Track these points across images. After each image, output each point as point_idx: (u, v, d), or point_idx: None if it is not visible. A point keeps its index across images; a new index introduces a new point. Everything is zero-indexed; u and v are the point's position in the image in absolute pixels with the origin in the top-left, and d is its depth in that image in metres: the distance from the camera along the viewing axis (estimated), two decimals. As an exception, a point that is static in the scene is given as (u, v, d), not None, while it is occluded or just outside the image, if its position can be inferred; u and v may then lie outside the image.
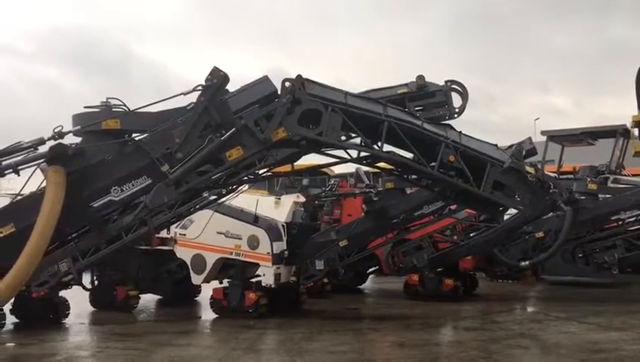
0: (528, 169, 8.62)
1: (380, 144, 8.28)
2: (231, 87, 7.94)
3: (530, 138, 9.77)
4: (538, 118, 28.30)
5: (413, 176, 9.68)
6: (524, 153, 8.82)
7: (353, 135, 8.30)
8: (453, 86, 9.13)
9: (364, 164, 9.21)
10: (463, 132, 8.65)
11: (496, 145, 8.86)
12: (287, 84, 7.76)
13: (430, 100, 9.06)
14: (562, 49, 62.73)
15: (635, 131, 10.16)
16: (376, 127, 8.13)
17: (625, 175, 14.54)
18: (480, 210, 10.31)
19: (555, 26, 64.38)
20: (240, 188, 9.36)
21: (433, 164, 8.39)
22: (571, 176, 14.85)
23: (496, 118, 60.75)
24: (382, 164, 9.68)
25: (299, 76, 7.79)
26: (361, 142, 8.30)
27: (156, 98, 7.92)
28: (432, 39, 63.41)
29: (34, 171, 7.79)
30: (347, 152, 8.64)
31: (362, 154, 8.58)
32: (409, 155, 8.50)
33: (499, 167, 8.46)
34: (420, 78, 8.96)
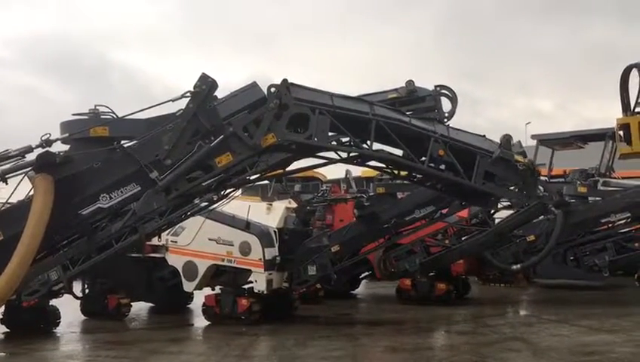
0: (518, 158, 8.67)
1: (369, 143, 8.29)
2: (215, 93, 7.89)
3: (519, 142, 9.81)
4: (529, 123, 28.52)
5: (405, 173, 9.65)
6: (512, 142, 8.83)
7: (342, 136, 8.30)
8: (443, 91, 9.18)
9: (354, 164, 9.20)
10: (450, 125, 8.67)
11: (484, 136, 8.88)
12: (272, 89, 7.76)
13: (420, 105, 9.09)
14: (544, 52, 63.16)
15: (621, 134, 10.21)
16: (365, 127, 8.15)
17: (614, 178, 14.63)
18: (474, 202, 10.32)
19: (536, 29, 64.79)
20: (231, 194, 9.34)
21: (424, 159, 8.41)
22: (562, 179, 14.93)
23: (482, 121, 61.00)
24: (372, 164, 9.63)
25: (284, 81, 7.79)
26: (350, 142, 8.30)
27: (138, 104, 7.91)
28: (416, 43, 63.55)
29: (22, 179, 7.74)
30: (337, 153, 8.65)
31: (352, 154, 8.59)
32: (399, 152, 8.52)
33: (488, 157, 8.49)
34: (410, 83, 9.00)
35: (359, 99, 8.28)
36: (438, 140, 8.35)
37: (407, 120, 8.36)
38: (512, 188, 8.88)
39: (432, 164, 8.50)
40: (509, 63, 65.14)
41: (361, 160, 8.88)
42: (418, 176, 9.27)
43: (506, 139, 8.65)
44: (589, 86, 62.55)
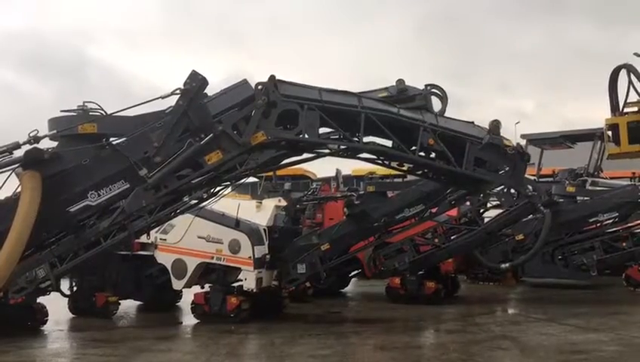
0: (506, 143, 8.72)
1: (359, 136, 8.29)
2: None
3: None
4: (518, 122, 28.59)
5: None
6: (500, 127, 8.87)
7: (332, 130, 8.30)
8: (433, 90, 9.18)
9: (344, 157, 9.20)
10: (438, 113, 8.71)
11: (472, 123, 8.92)
12: (260, 87, 7.74)
13: (410, 104, 9.08)
14: (523, 53, 63.54)
15: (610, 134, 10.27)
16: (354, 119, 8.15)
17: (603, 178, 14.75)
18: (467, 188, 10.35)
19: (514, 30, 65.19)
20: (221, 192, 9.30)
21: (414, 148, 8.43)
22: (550, 179, 15.03)
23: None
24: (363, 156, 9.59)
25: (272, 77, 7.75)
26: (340, 135, 8.30)
27: (116, 101, 7.84)
28: (397, 43, 63.63)
29: (9, 176, 7.66)
30: (327, 147, 8.64)
31: (342, 147, 8.59)
32: (389, 143, 8.54)
33: (478, 144, 8.53)
34: (400, 81, 8.98)
35: (347, 92, 8.27)
36: (427, 129, 8.38)
37: (396, 110, 8.38)
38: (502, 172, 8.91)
39: (422, 153, 8.53)
40: (489, 64, 65.55)
41: (351, 152, 8.89)
42: (409, 165, 9.29)
43: (495, 124, 8.69)
44: (569, 86, 63.18)
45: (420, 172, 9.61)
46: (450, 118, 8.75)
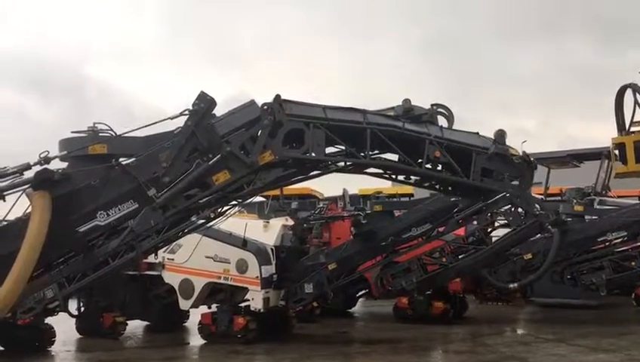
0: (512, 151, 8.74)
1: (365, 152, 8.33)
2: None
3: None
4: (525, 141, 28.46)
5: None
6: (505, 136, 8.89)
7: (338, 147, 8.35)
8: (439, 109, 9.23)
9: (352, 173, 9.23)
10: (443, 126, 8.74)
11: (477, 133, 8.95)
12: (265, 107, 7.82)
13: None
14: (524, 72, 63.62)
15: (616, 153, 10.27)
16: (360, 135, 8.20)
17: (610, 196, 14.69)
18: (475, 198, 10.34)
19: (513, 52, 65.46)
20: (228, 211, 9.34)
21: (420, 161, 8.46)
22: (558, 198, 14.97)
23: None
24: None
25: (277, 97, 7.83)
26: (347, 152, 8.35)
27: (118, 121, 7.86)
28: (395, 65, 63.79)
29: (19, 196, 7.73)
30: (335, 164, 8.69)
31: (349, 163, 8.64)
32: (396, 157, 8.58)
33: (484, 154, 8.55)
34: (406, 101, 9.05)
35: (351, 109, 8.34)
36: (433, 142, 8.43)
37: (401, 125, 8.44)
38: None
39: (429, 166, 8.55)
40: (489, 84, 65.71)
41: (358, 168, 8.92)
42: (416, 178, 9.32)
43: (500, 134, 8.73)
44: (570, 106, 63.26)
45: (427, 184, 9.65)
46: (455, 130, 8.80)
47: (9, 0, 54.65)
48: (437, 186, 9.66)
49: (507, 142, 8.88)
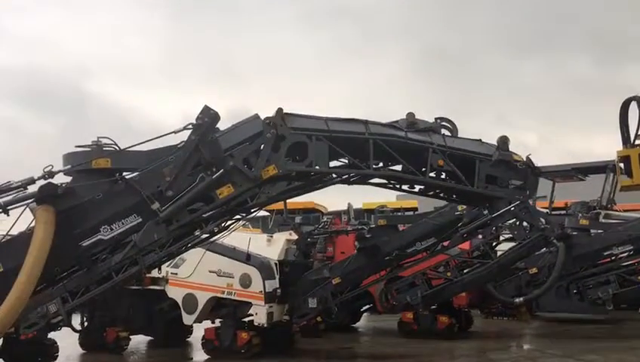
0: (516, 157, 8.71)
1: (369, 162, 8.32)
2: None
3: None
4: (530, 154, 28.31)
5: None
6: (508, 143, 8.86)
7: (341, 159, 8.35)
8: (443, 123, 9.23)
9: (356, 184, 9.21)
10: (446, 134, 8.72)
11: (480, 140, 8.93)
12: (267, 121, 7.83)
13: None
14: (524, 86, 63.81)
15: (622, 166, 10.22)
16: (362, 146, 8.20)
17: (616, 210, 14.61)
18: (480, 205, 10.29)
19: (515, 63, 65.66)
20: (232, 226, 9.32)
21: (424, 170, 8.44)
22: (563, 211, 14.92)
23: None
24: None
25: (279, 110, 7.84)
26: (350, 163, 8.34)
27: (114, 135, 7.87)
28: (395, 77, 64.14)
29: (23, 211, 7.73)
30: (340, 176, 8.66)
31: (353, 174, 8.63)
32: (399, 167, 8.56)
33: (487, 161, 8.52)
34: (410, 115, 9.05)
35: (353, 119, 8.35)
36: (436, 150, 8.42)
37: (403, 134, 8.44)
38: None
39: (432, 175, 8.54)
40: (488, 98, 65.96)
41: (362, 179, 8.92)
42: (421, 187, 9.30)
43: (503, 140, 8.72)
44: (570, 120, 63.37)
45: (431, 193, 9.63)
46: (458, 138, 8.80)
47: (8, 17, 55.40)
48: (442, 195, 9.64)
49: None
